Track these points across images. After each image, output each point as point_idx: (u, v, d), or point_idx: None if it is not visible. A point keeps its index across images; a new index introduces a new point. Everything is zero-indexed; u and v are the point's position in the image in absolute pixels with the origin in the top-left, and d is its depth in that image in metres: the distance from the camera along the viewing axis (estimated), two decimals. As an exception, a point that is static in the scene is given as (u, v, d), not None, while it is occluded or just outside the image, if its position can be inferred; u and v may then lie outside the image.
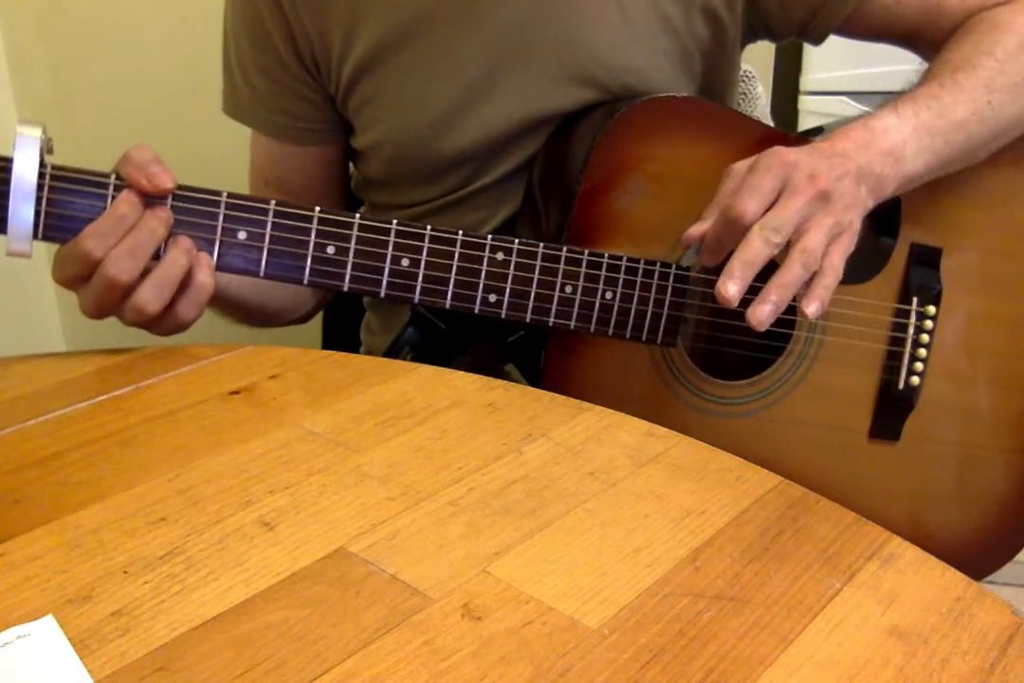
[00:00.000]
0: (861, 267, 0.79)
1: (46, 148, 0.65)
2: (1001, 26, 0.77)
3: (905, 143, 0.70)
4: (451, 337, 0.83)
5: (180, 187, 0.67)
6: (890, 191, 0.71)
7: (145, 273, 0.65)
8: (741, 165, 0.68)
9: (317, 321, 1.08)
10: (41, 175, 0.64)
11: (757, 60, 1.04)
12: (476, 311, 0.73)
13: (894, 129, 0.70)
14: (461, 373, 0.68)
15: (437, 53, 0.80)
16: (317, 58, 0.83)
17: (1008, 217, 0.80)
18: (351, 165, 0.95)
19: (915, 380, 0.80)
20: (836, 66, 1.50)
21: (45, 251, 0.68)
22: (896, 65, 1.45)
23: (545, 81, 0.80)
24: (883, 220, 0.77)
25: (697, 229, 0.68)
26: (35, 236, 0.65)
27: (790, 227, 0.65)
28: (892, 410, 0.80)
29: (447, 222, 0.87)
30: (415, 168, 0.85)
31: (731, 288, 0.63)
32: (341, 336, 1.07)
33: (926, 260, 0.79)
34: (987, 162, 0.77)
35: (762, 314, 0.64)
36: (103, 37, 1.55)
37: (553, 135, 0.82)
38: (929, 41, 0.83)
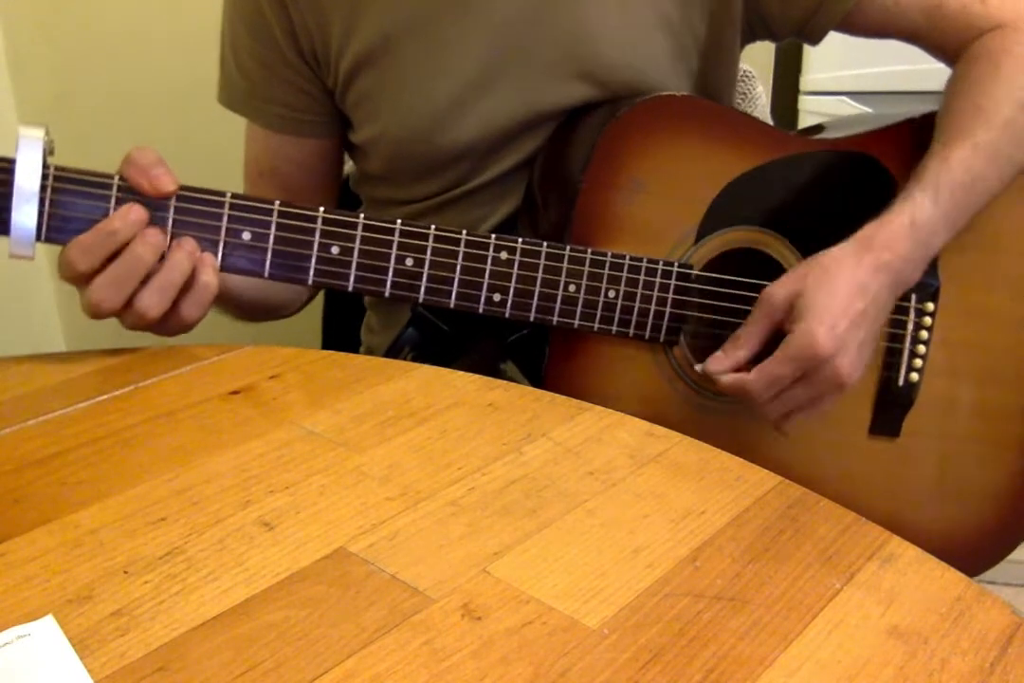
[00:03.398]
0: None
1: (48, 149, 0.65)
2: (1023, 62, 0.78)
3: (937, 232, 0.73)
4: (452, 337, 0.83)
5: (184, 188, 0.67)
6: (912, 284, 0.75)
7: (149, 277, 0.65)
8: (778, 299, 0.71)
9: (317, 321, 1.08)
10: (44, 177, 0.64)
11: (757, 60, 1.04)
12: (480, 310, 0.73)
13: (931, 221, 0.73)
14: (461, 373, 0.68)
15: (437, 48, 0.80)
16: (316, 51, 0.83)
17: (1006, 214, 0.80)
18: (349, 161, 0.95)
19: (914, 377, 0.80)
20: (836, 66, 1.50)
21: (45, 251, 0.68)
22: (896, 65, 1.45)
23: (544, 77, 0.81)
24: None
25: (714, 366, 0.74)
26: (38, 238, 0.65)
27: (789, 411, 0.73)
28: (891, 406, 0.80)
29: (447, 219, 0.87)
30: (414, 163, 0.85)
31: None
32: (341, 336, 1.07)
33: None
34: None
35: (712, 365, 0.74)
36: (103, 37, 1.55)
37: (554, 134, 0.82)
38: (933, 43, 0.83)
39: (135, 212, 0.65)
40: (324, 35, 0.82)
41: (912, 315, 0.79)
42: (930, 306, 0.79)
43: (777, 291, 0.71)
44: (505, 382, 0.67)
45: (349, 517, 0.52)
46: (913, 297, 0.79)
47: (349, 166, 0.97)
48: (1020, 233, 0.81)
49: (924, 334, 0.80)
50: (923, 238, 0.72)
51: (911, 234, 0.72)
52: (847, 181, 0.79)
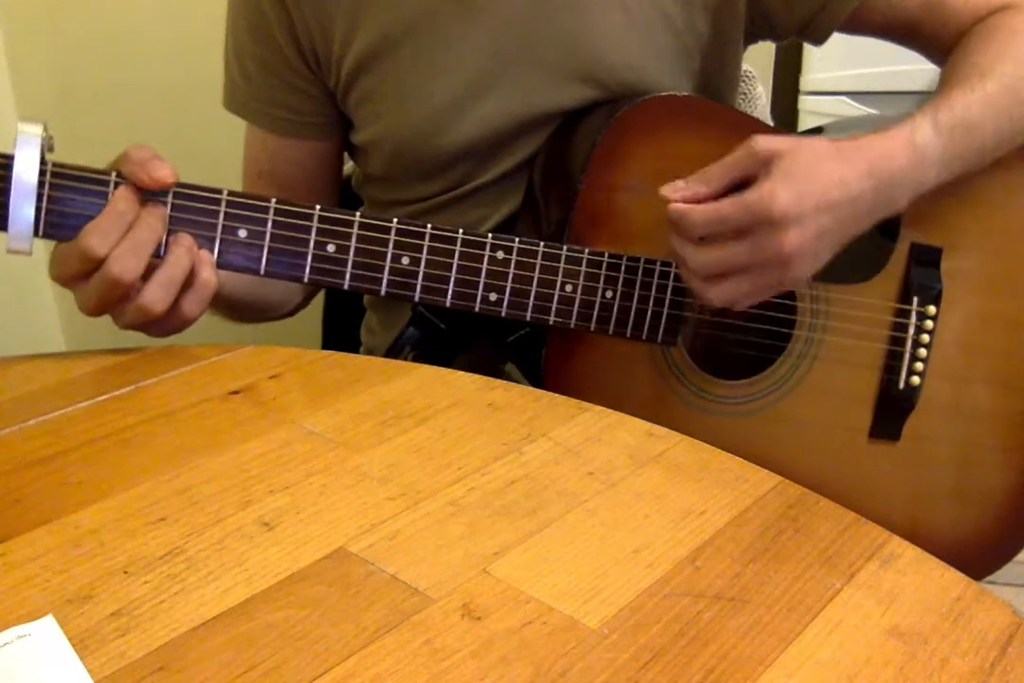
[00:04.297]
0: (861, 267, 0.79)
1: (47, 146, 0.65)
2: (1019, 33, 0.77)
3: (933, 164, 0.71)
4: (452, 336, 0.83)
5: (180, 185, 0.67)
6: (899, 211, 0.72)
7: (148, 273, 0.65)
8: (760, 151, 0.67)
9: (317, 321, 1.08)
10: (42, 173, 0.64)
11: (757, 60, 1.04)
12: (476, 310, 0.73)
13: (930, 148, 0.71)
14: (461, 373, 0.68)
15: (438, 48, 0.80)
16: (318, 52, 0.83)
17: (1009, 217, 0.80)
18: (352, 162, 0.95)
19: (915, 380, 0.80)
20: (836, 66, 1.50)
21: (44, 251, 0.68)
22: (896, 65, 1.45)
23: (545, 77, 0.81)
24: (883, 220, 0.77)
25: (669, 192, 0.69)
26: (36, 234, 0.65)
27: (718, 271, 0.68)
28: (892, 410, 0.80)
29: (448, 219, 0.87)
30: (415, 163, 0.85)
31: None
32: (341, 336, 1.07)
33: (926, 260, 0.79)
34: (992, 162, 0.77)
35: (668, 190, 0.69)
36: (104, 37, 1.55)
37: (554, 134, 0.82)
38: (932, 39, 0.83)
39: (133, 192, 0.65)
40: (326, 36, 0.82)
41: (913, 318, 0.79)
42: (932, 309, 0.79)
43: (763, 143, 0.67)
44: (505, 382, 0.67)
45: (349, 517, 0.52)
46: (915, 300, 0.79)
47: (349, 167, 0.97)
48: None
49: (926, 337, 0.79)
50: (919, 160, 0.70)
51: (910, 151, 0.70)
52: None
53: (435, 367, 0.69)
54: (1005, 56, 0.76)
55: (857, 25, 0.84)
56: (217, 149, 1.19)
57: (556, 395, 0.66)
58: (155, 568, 0.47)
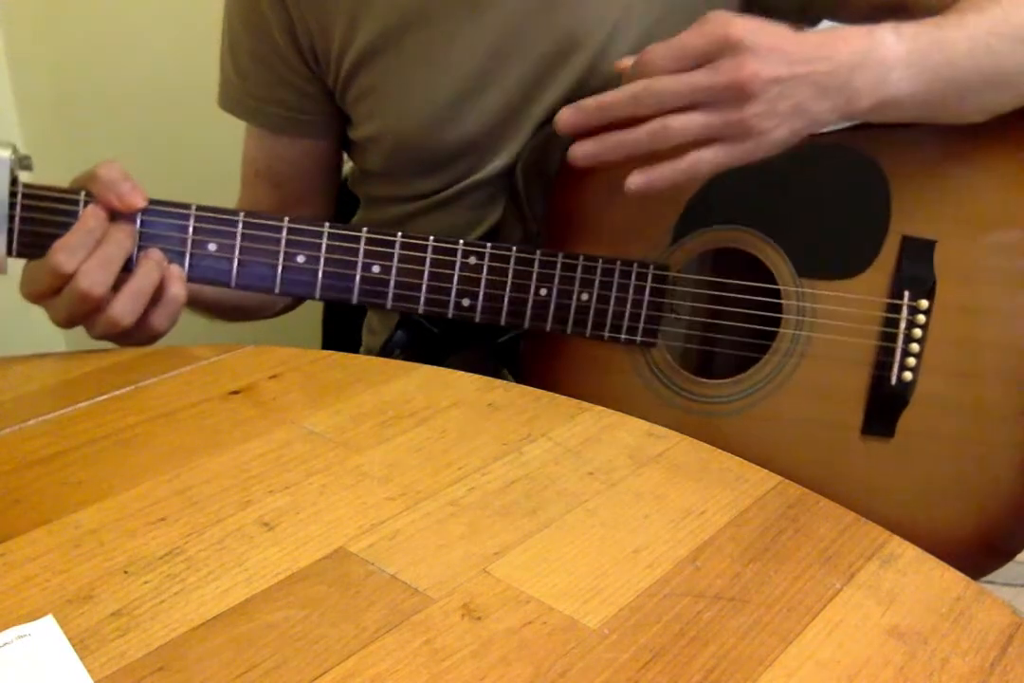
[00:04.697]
0: (849, 261, 0.79)
1: (18, 166, 0.67)
2: None
3: (895, 62, 0.67)
4: (441, 339, 0.83)
5: (150, 201, 0.68)
6: (862, 111, 0.68)
7: (117, 285, 0.66)
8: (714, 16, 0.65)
9: (317, 321, 1.08)
10: (12, 194, 0.66)
11: (757, 60, 1.04)
12: (449, 315, 0.74)
13: (889, 41, 0.67)
14: (461, 373, 0.68)
15: (440, 42, 0.80)
16: (316, 50, 0.83)
17: (1004, 207, 0.80)
18: (347, 159, 0.95)
19: (908, 376, 0.79)
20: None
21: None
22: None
23: (546, 71, 0.81)
24: (871, 211, 0.77)
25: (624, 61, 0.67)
26: (9, 254, 0.67)
27: (671, 99, 0.63)
28: (885, 406, 0.80)
29: (448, 218, 0.87)
30: (416, 158, 0.85)
31: (565, 113, 0.66)
32: (341, 336, 1.07)
33: (919, 253, 0.79)
34: (983, 151, 0.76)
35: (579, 150, 0.66)
36: (104, 37, 1.55)
37: (539, 129, 0.82)
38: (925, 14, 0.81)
39: (102, 209, 0.67)
40: (325, 33, 0.82)
41: (905, 313, 0.79)
42: (924, 304, 0.79)
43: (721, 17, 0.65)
44: (505, 382, 0.67)
45: (349, 517, 0.52)
46: (906, 294, 0.79)
47: (348, 168, 0.97)
48: (1021, 227, 0.80)
49: (918, 332, 0.79)
50: (877, 49, 0.67)
51: (864, 34, 0.67)
52: (832, 176, 0.79)
53: (435, 367, 0.69)
54: (992, 2, 0.72)
55: (852, 10, 0.83)
56: (217, 150, 1.19)
57: (556, 395, 0.66)
58: (155, 568, 0.47)
